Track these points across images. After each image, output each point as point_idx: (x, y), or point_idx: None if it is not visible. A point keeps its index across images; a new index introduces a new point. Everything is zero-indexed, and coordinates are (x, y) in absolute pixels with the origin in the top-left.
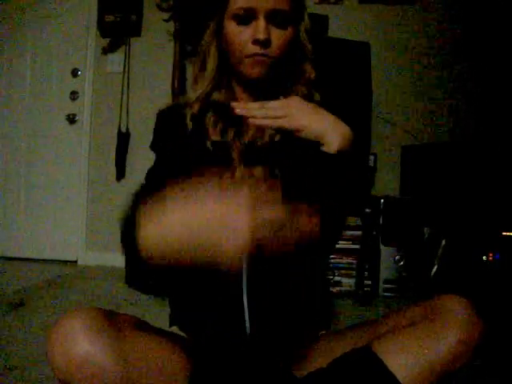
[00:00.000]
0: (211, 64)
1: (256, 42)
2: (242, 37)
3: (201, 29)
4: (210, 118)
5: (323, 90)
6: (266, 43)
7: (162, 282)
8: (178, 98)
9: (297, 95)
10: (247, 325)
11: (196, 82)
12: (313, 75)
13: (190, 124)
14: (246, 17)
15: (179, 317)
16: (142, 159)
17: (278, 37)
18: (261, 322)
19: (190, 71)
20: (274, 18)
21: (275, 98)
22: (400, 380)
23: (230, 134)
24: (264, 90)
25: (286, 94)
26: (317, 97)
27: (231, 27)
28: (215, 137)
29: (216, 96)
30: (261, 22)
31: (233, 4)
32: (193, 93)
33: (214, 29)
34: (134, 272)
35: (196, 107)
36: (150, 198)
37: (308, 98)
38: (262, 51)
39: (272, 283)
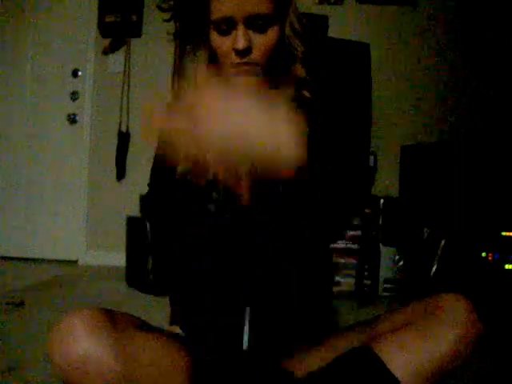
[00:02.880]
0: (202, 71)
1: (236, 51)
2: (224, 47)
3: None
4: None
5: (324, 90)
6: (245, 52)
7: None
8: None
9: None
10: (246, 329)
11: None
12: (302, 74)
13: None
14: (226, 26)
15: (179, 316)
16: (141, 159)
17: (260, 42)
18: (261, 325)
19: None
20: (254, 23)
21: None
22: (399, 378)
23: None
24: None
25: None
26: (306, 95)
27: (214, 38)
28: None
29: None
30: (240, 31)
31: (212, 13)
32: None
33: (202, 38)
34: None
35: None
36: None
37: (297, 98)
38: (243, 60)
39: (274, 285)
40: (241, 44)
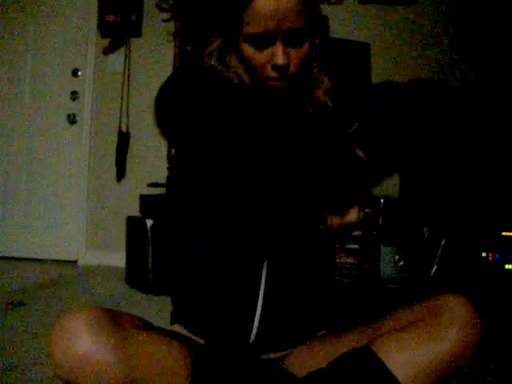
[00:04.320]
0: (241, 71)
1: (274, 67)
2: (259, 61)
3: (200, 30)
4: None
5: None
6: (284, 68)
7: None
8: None
9: (315, 104)
10: (254, 331)
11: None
12: (329, 84)
13: None
14: (263, 41)
15: (181, 314)
16: (141, 159)
17: (295, 57)
18: (268, 328)
19: None
20: (291, 38)
21: (292, 106)
22: (400, 379)
23: None
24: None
25: (303, 102)
26: (329, 104)
27: (247, 50)
28: None
29: None
30: (278, 47)
31: (247, 27)
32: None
33: (228, 44)
34: None
35: None
36: None
37: (322, 105)
38: (281, 75)
39: (287, 289)
40: (281, 61)
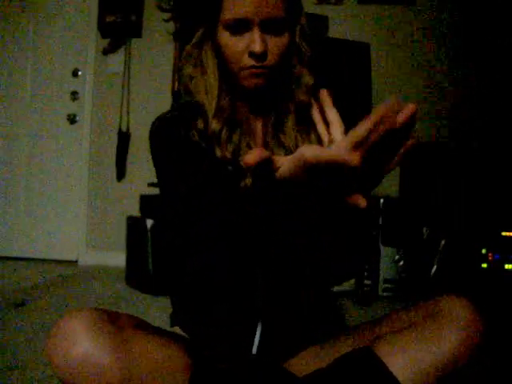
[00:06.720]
0: (212, 71)
1: (252, 54)
2: (236, 48)
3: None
4: (224, 134)
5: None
6: (262, 56)
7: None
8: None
9: (295, 103)
10: (258, 335)
11: (198, 90)
12: (311, 81)
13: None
14: (240, 27)
15: (182, 318)
16: (141, 159)
17: (274, 45)
18: (270, 327)
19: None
20: (269, 26)
21: (271, 105)
22: (400, 380)
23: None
24: (261, 98)
25: (284, 102)
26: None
27: (225, 37)
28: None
29: (222, 103)
30: (256, 34)
31: (225, 13)
32: (207, 103)
33: (207, 35)
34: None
35: (215, 124)
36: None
37: (307, 106)
38: (258, 64)
39: (285, 288)
40: (258, 47)
